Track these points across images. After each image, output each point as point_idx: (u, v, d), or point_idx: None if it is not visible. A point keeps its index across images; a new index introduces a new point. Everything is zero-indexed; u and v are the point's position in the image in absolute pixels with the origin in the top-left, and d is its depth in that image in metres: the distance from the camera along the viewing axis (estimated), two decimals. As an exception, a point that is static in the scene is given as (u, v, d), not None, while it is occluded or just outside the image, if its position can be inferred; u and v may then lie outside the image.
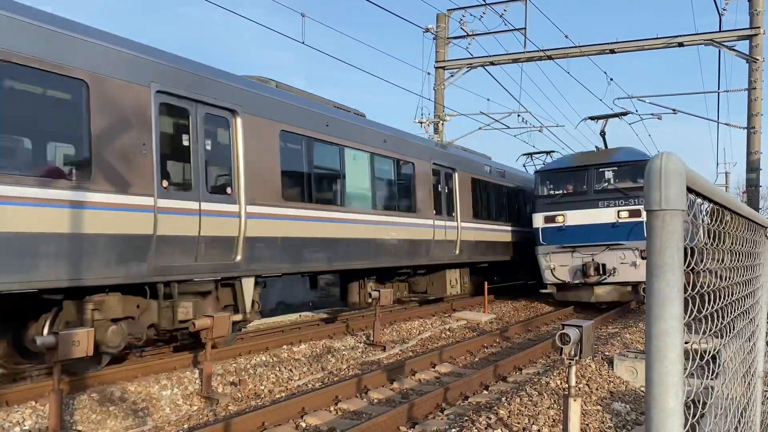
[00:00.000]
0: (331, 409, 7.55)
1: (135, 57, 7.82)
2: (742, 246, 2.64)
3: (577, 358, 4.98)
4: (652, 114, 24.37)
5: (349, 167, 12.06)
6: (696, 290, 1.81)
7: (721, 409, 2.27)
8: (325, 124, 11.46)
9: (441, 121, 24.29)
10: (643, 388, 7.46)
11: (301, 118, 10.84)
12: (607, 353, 9.65)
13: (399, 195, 13.87)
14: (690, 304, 1.66)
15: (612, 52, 21.82)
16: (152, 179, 7.87)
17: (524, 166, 20.12)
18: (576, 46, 21.97)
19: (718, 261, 2.24)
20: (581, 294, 16.63)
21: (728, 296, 2.31)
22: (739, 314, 2.61)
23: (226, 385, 8.45)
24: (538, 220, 17.04)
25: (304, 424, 6.95)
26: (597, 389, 7.86)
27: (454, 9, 23.40)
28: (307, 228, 10.68)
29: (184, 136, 8.56)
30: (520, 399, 7.09)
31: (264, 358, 9.60)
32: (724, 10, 20.21)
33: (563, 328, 4.97)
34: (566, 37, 25.70)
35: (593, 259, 16.17)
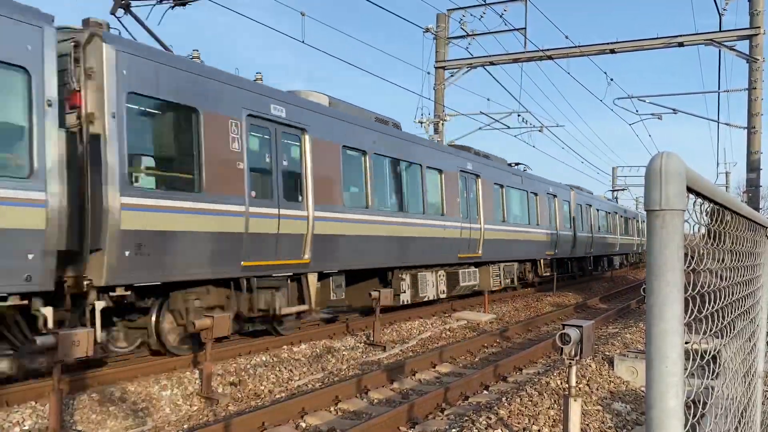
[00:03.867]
0: (331, 409, 7.55)
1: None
2: (743, 246, 2.64)
3: (578, 358, 4.97)
4: (652, 114, 24.42)
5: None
6: (696, 290, 1.80)
7: (721, 409, 2.26)
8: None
9: (441, 121, 24.29)
10: (643, 388, 7.46)
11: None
12: (607, 353, 9.65)
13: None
14: (690, 304, 1.66)
15: (612, 52, 21.82)
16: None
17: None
18: (576, 46, 21.97)
19: (718, 261, 2.23)
20: None
21: (729, 296, 2.31)
22: (739, 314, 2.61)
23: (226, 385, 8.45)
24: None
25: (304, 424, 6.95)
26: (597, 389, 7.86)
27: (454, 9, 23.42)
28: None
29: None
30: (521, 399, 7.09)
31: (264, 358, 9.59)
32: (724, 10, 20.22)
33: (563, 328, 4.97)
34: (566, 37, 25.70)
35: None
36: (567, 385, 5.16)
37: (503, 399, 7.15)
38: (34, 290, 6.80)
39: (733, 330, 2.48)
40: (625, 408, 7.17)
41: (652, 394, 1.29)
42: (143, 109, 8.16)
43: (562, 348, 4.91)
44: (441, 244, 15.15)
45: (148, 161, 8.37)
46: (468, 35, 23.52)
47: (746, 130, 20.41)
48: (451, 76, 24.40)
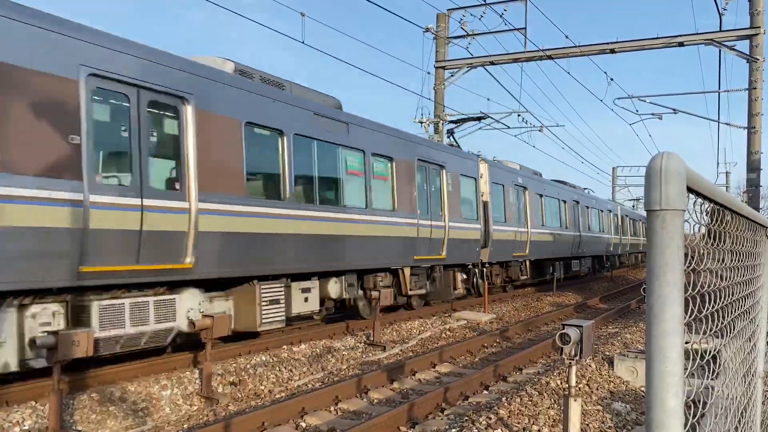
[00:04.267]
0: (331, 409, 7.55)
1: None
2: (743, 246, 2.64)
3: (578, 357, 4.97)
4: (652, 114, 24.41)
5: None
6: (696, 290, 1.80)
7: (721, 409, 2.26)
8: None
9: (441, 121, 24.29)
10: (643, 388, 7.46)
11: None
12: (607, 353, 9.64)
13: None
14: (690, 304, 1.66)
15: (612, 52, 21.82)
16: None
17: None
18: (576, 46, 21.97)
19: (718, 261, 2.23)
20: None
21: (728, 296, 2.31)
22: (739, 314, 2.61)
23: (226, 385, 8.45)
24: None
25: (304, 424, 6.95)
26: (597, 389, 7.86)
27: (454, 9, 23.41)
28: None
29: None
30: (521, 399, 7.09)
31: (264, 358, 9.60)
32: (725, 9, 20.21)
33: (563, 328, 4.97)
34: (566, 37, 25.71)
35: None
36: (567, 385, 5.16)
37: (503, 399, 7.15)
38: (474, 262, 16.98)
39: (733, 330, 2.48)
40: (625, 408, 7.17)
41: (652, 394, 1.28)
42: (495, 188, 18.64)
43: (562, 348, 4.91)
44: (567, 244, 25.29)
45: (495, 209, 18.51)
46: (468, 35, 23.51)
47: (746, 130, 20.40)
48: (451, 75, 24.40)
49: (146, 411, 7.35)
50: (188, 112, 8.50)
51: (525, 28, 22.40)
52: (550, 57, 22.20)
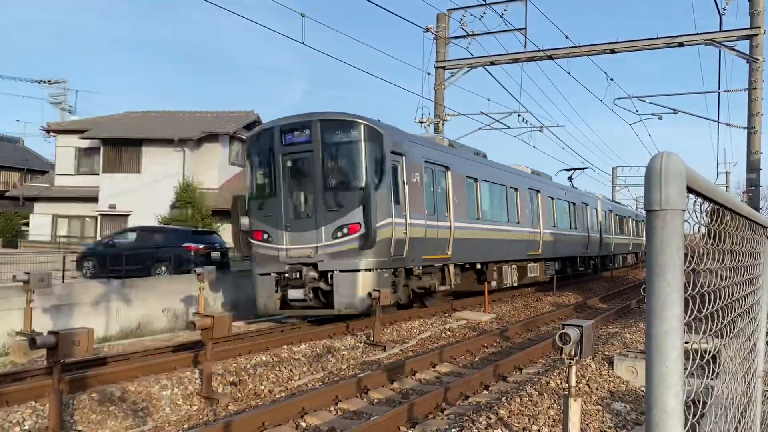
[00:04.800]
0: (331, 409, 7.55)
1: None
2: (743, 246, 2.64)
3: (578, 357, 4.97)
4: (652, 114, 24.39)
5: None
6: (696, 290, 1.80)
7: (721, 409, 2.26)
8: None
9: (441, 121, 24.30)
10: (643, 388, 7.45)
11: None
12: (607, 353, 9.64)
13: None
14: (690, 304, 1.66)
15: (612, 52, 21.82)
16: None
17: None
18: (576, 46, 21.97)
19: (718, 261, 2.23)
20: None
21: (728, 296, 2.31)
22: (739, 314, 2.61)
23: (226, 385, 8.45)
24: None
25: (304, 424, 6.95)
26: (597, 389, 7.86)
27: (454, 9, 23.41)
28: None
29: None
30: (521, 399, 7.09)
31: (264, 358, 9.60)
32: (725, 10, 20.21)
33: (563, 328, 4.97)
34: (566, 37, 25.73)
35: None
36: (567, 385, 5.16)
37: (503, 399, 7.15)
38: (596, 255, 31.10)
39: (733, 330, 2.48)
40: (624, 408, 7.17)
41: (652, 394, 1.28)
42: (603, 212, 31.76)
43: (562, 348, 4.91)
44: (627, 245, 38.25)
45: (604, 225, 31.93)
46: (468, 35, 23.52)
47: (746, 130, 20.40)
48: (452, 76, 24.40)
49: (146, 411, 7.35)
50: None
51: (525, 28, 22.41)
52: (550, 57, 22.20)
